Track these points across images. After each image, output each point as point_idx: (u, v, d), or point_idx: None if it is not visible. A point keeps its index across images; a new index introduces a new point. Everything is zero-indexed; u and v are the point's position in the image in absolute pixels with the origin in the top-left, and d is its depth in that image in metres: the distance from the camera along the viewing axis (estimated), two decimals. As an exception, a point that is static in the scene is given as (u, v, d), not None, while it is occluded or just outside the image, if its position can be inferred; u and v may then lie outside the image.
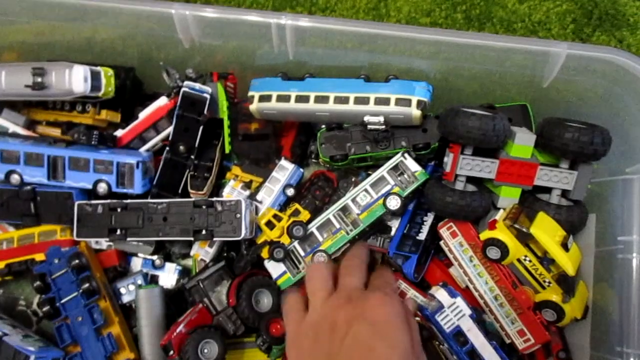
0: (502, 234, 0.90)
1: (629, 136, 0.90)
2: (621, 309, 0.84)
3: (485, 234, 0.91)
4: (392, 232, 1.01)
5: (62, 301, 0.91)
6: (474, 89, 1.00)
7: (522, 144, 0.89)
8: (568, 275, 0.88)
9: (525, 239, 0.90)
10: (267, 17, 0.90)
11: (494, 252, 0.91)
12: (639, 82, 0.85)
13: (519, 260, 0.91)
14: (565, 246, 0.89)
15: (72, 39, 1.03)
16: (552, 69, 0.89)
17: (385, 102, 0.92)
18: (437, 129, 0.94)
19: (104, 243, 1.02)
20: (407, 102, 0.91)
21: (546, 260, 0.90)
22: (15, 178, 0.98)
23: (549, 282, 0.90)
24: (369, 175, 0.98)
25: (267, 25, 0.90)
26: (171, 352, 0.87)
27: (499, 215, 0.92)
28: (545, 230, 0.89)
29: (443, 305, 0.88)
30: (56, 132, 1.06)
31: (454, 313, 0.88)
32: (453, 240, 0.94)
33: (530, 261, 0.90)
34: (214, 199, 0.94)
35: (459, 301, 0.88)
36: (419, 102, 0.91)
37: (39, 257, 0.99)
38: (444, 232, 0.94)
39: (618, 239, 0.88)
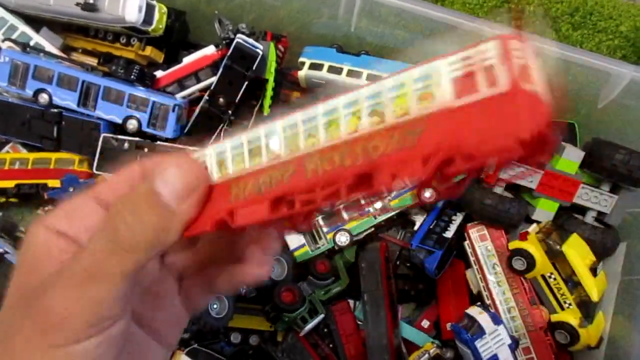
0: (532, 246, 0.88)
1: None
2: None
3: (515, 244, 0.89)
4: (415, 227, 0.99)
5: (71, 231, 0.86)
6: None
7: (570, 159, 0.87)
8: (590, 301, 0.86)
9: (554, 257, 0.88)
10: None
11: (519, 263, 0.89)
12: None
13: (543, 276, 0.89)
14: (593, 271, 0.87)
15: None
16: (611, 91, 0.88)
17: (439, 92, 0.89)
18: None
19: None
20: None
21: (570, 282, 0.89)
22: (44, 97, 0.93)
23: (570, 304, 0.88)
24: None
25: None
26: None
27: (532, 228, 0.90)
28: (577, 251, 0.87)
29: (485, 331, 0.82)
30: (92, 61, 1.02)
31: (494, 341, 0.82)
32: (480, 243, 0.92)
33: (555, 279, 0.88)
34: (248, 156, 0.90)
35: (501, 329, 0.83)
36: (473, 99, 0.89)
37: (52, 183, 0.94)
38: (473, 233, 0.92)
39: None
